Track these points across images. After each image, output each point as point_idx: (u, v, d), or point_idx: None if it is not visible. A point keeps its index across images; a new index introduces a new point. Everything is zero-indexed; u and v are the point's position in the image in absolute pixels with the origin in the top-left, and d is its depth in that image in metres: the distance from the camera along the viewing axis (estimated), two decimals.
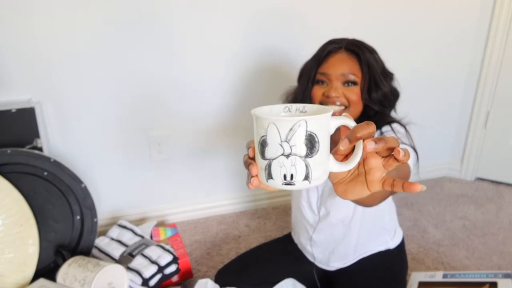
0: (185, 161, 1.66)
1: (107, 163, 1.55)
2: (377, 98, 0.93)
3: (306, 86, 0.96)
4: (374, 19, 1.67)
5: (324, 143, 0.47)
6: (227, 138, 1.68)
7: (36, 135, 1.28)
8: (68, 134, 1.46)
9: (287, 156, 0.46)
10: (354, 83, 0.91)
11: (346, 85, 0.91)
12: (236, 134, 1.68)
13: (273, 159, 0.47)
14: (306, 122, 0.45)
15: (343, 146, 0.48)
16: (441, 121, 2.01)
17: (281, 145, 0.46)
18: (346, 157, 0.50)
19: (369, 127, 0.46)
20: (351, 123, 0.48)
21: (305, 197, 1.09)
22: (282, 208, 1.81)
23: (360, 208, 1.01)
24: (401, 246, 1.16)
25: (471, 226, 1.65)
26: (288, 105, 0.53)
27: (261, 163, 0.48)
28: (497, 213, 1.74)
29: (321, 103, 0.93)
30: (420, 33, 1.77)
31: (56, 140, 1.45)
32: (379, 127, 0.96)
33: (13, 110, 1.25)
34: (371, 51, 0.95)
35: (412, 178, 0.96)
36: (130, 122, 1.52)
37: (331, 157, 0.50)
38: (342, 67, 0.91)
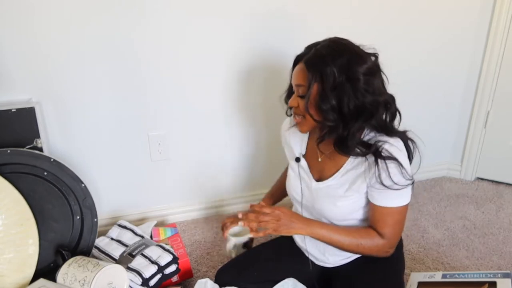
0: (185, 161, 1.66)
1: (107, 163, 1.56)
2: (327, 112, 0.90)
3: (287, 94, 1.07)
4: (374, 19, 1.67)
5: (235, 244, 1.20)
6: (227, 137, 1.68)
7: (36, 135, 1.28)
8: (68, 134, 1.46)
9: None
10: (304, 95, 0.94)
11: (301, 96, 0.96)
12: (236, 134, 1.69)
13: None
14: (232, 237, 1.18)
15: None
16: (441, 121, 2.01)
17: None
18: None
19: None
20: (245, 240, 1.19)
21: (293, 196, 1.13)
22: None
23: (345, 210, 1.02)
24: (399, 246, 1.16)
25: (471, 226, 1.65)
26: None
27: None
28: (497, 213, 1.74)
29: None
30: (420, 33, 1.77)
31: (56, 140, 1.45)
32: (367, 149, 0.93)
33: (13, 110, 1.24)
34: (332, 60, 0.89)
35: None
36: (130, 122, 1.52)
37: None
38: (297, 79, 0.96)
